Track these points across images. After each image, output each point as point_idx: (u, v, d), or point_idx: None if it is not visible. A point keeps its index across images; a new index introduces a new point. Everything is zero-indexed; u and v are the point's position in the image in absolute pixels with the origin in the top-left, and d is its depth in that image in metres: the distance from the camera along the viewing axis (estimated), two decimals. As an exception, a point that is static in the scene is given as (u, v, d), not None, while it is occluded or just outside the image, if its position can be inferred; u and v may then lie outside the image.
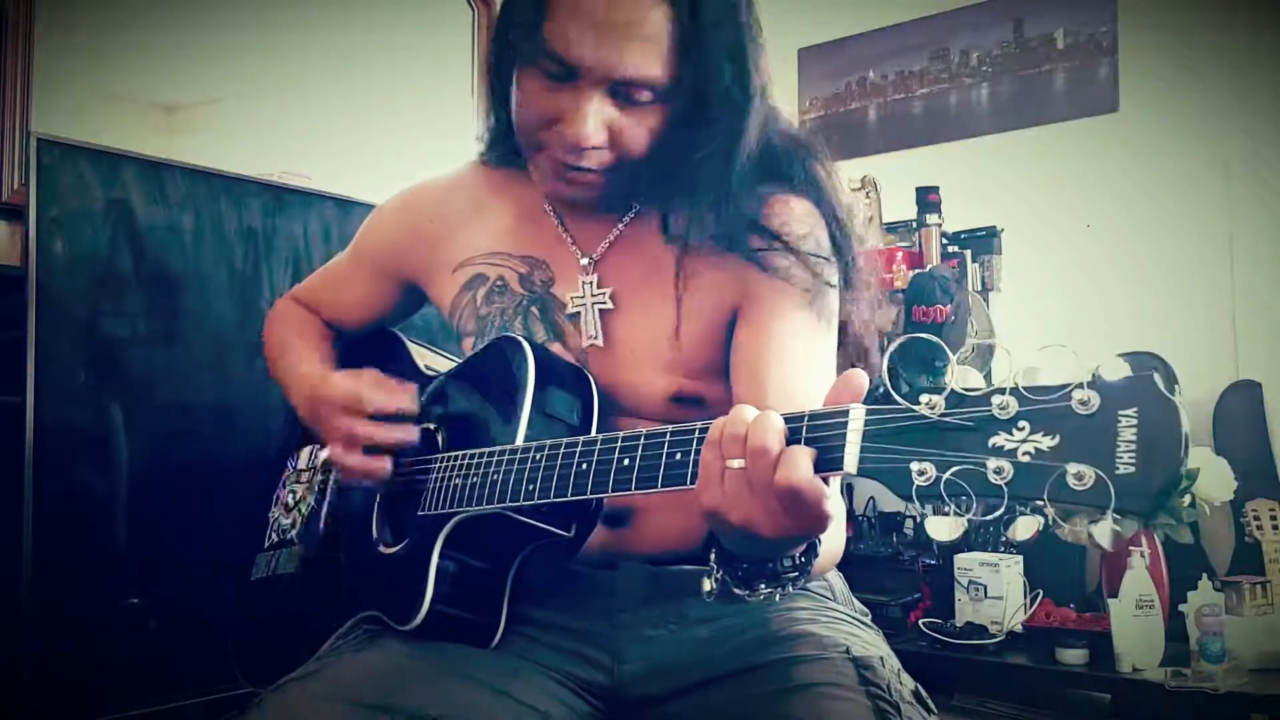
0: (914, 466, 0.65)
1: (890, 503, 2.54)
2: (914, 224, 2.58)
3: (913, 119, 2.90)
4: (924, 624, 2.14)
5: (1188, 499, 2.04)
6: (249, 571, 1.25)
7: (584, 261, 1.09)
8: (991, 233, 2.61)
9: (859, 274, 1.08)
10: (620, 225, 1.09)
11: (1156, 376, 0.59)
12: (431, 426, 1.06)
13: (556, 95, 0.97)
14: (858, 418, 0.68)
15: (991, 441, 0.63)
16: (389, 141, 2.82)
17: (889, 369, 0.69)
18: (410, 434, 1.04)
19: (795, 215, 1.04)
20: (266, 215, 1.73)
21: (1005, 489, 0.62)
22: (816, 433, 0.70)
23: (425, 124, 2.79)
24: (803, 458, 0.70)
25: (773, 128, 1.06)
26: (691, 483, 0.77)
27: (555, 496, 0.85)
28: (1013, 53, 2.75)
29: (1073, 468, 0.60)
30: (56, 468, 1.46)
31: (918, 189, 2.56)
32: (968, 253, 2.56)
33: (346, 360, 1.25)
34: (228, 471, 1.58)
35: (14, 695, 1.41)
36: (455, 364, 1.14)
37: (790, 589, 0.82)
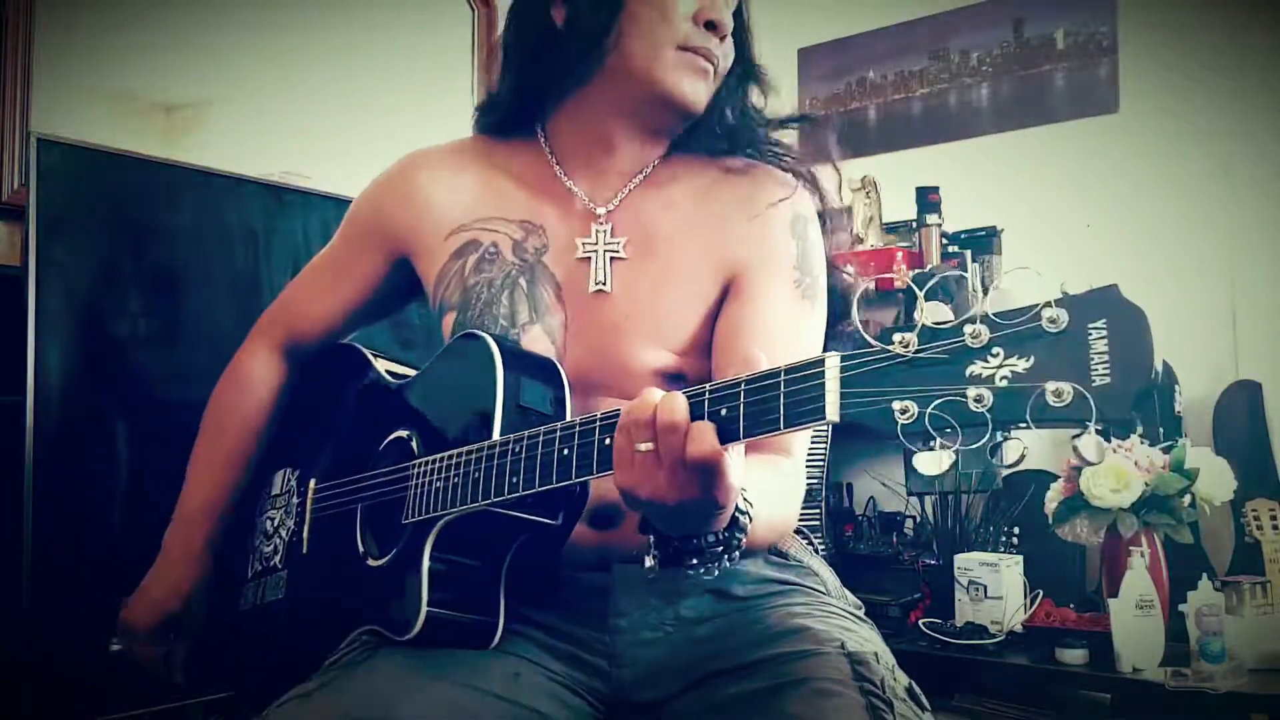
0: (896, 405, 0.66)
1: (890, 503, 2.54)
2: (914, 224, 2.58)
3: (913, 119, 2.90)
4: (924, 624, 2.14)
5: (1188, 499, 2.04)
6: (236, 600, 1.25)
7: (600, 211, 1.10)
8: (991, 233, 2.61)
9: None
10: (634, 181, 1.12)
11: (1119, 288, 0.61)
12: (405, 434, 1.05)
13: None
14: (834, 365, 0.69)
15: (968, 371, 0.64)
16: (389, 141, 2.80)
17: (860, 319, 0.70)
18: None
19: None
20: (266, 215, 1.73)
21: (988, 415, 0.63)
22: (794, 386, 0.71)
23: (425, 124, 2.77)
24: (707, 433, 0.74)
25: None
26: None
27: (540, 485, 0.86)
28: (1013, 53, 2.75)
29: (1051, 385, 0.60)
30: (56, 468, 1.46)
31: (918, 189, 2.56)
32: (968, 253, 2.56)
33: (305, 381, 1.27)
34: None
35: (14, 695, 1.41)
36: (418, 370, 1.12)
37: (725, 564, 0.84)
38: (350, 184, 1.94)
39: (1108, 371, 0.59)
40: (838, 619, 1.03)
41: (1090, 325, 0.60)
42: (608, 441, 0.81)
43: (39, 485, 1.44)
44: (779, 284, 1.07)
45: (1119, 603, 1.91)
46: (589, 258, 1.08)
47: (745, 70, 1.15)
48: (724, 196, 1.11)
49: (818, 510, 2.36)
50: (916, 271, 2.50)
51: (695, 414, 0.76)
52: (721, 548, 0.83)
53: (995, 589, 2.09)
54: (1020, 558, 2.17)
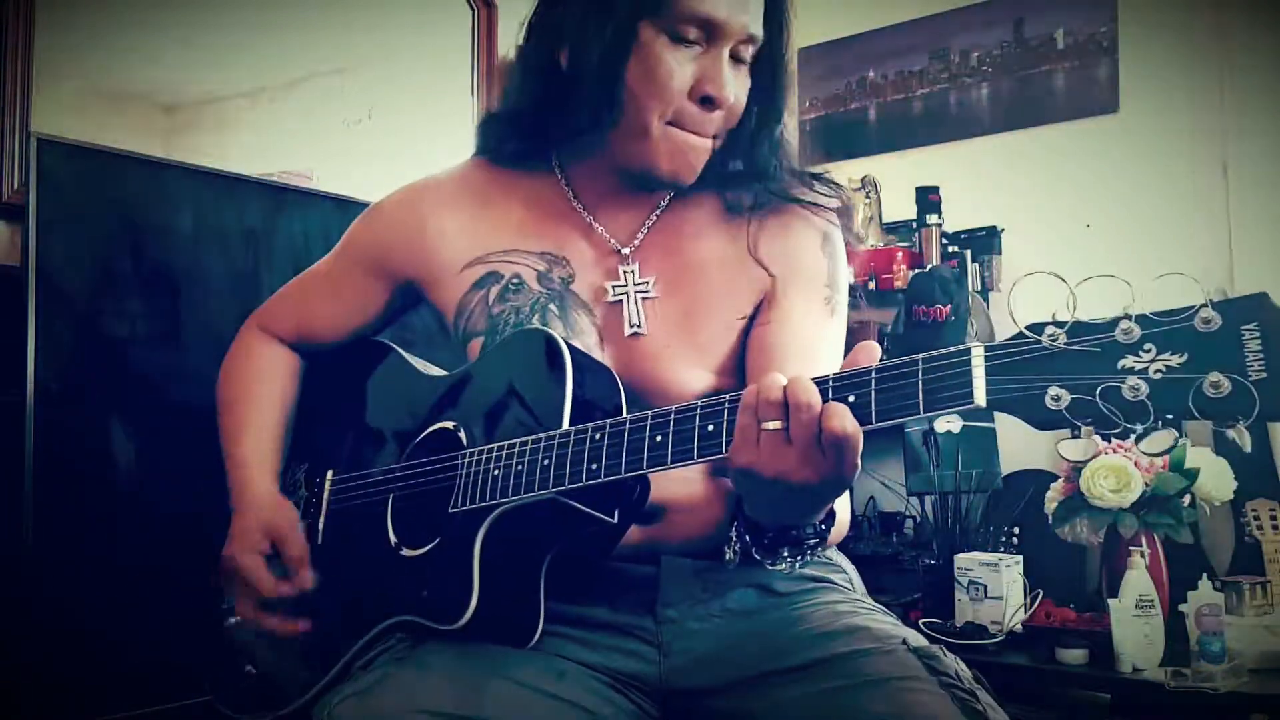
0: (1050, 392, 0.68)
1: (890, 503, 2.54)
2: (914, 224, 2.59)
3: (913, 119, 2.90)
4: (924, 624, 2.14)
5: (1188, 499, 2.04)
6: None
7: (625, 251, 1.09)
8: (991, 233, 2.61)
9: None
10: (654, 215, 1.11)
11: (1269, 295, 0.65)
12: (451, 425, 1.05)
13: (687, 63, 1.00)
14: (978, 354, 0.71)
15: (1121, 364, 0.67)
16: (389, 141, 2.81)
17: (1010, 311, 0.73)
18: (310, 583, 1.06)
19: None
20: (266, 215, 1.73)
21: (1148, 403, 0.65)
22: (936, 374, 0.73)
23: (425, 124, 2.78)
24: (844, 409, 0.75)
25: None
26: (726, 450, 0.80)
27: (628, 471, 0.85)
28: (1013, 53, 2.75)
29: (1211, 376, 0.63)
30: (56, 468, 1.46)
31: (918, 189, 2.56)
32: (968, 253, 2.56)
33: (334, 376, 1.24)
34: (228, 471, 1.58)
35: (14, 695, 1.41)
36: (461, 366, 1.12)
37: (810, 556, 0.86)
38: (350, 184, 1.95)
39: (1264, 367, 0.62)
40: (880, 615, 1.04)
41: (1244, 326, 0.64)
42: (710, 428, 0.81)
43: (39, 485, 1.44)
44: (809, 299, 1.08)
45: (1119, 603, 1.91)
46: (620, 300, 1.08)
47: (771, 115, 1.10)
48: (751, 217, 1.11)
49: (818, 510, 2.35)
50: (916, 271, 2.50)
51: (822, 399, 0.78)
52: (815, 539, 0.85)
53: (995, 589, 2.09)
54: (1020, 558, 2.17)
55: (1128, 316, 0.68)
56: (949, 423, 2.33)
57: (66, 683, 1.43)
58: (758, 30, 1.05)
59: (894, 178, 2.71)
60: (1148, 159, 2.54)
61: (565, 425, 0.91)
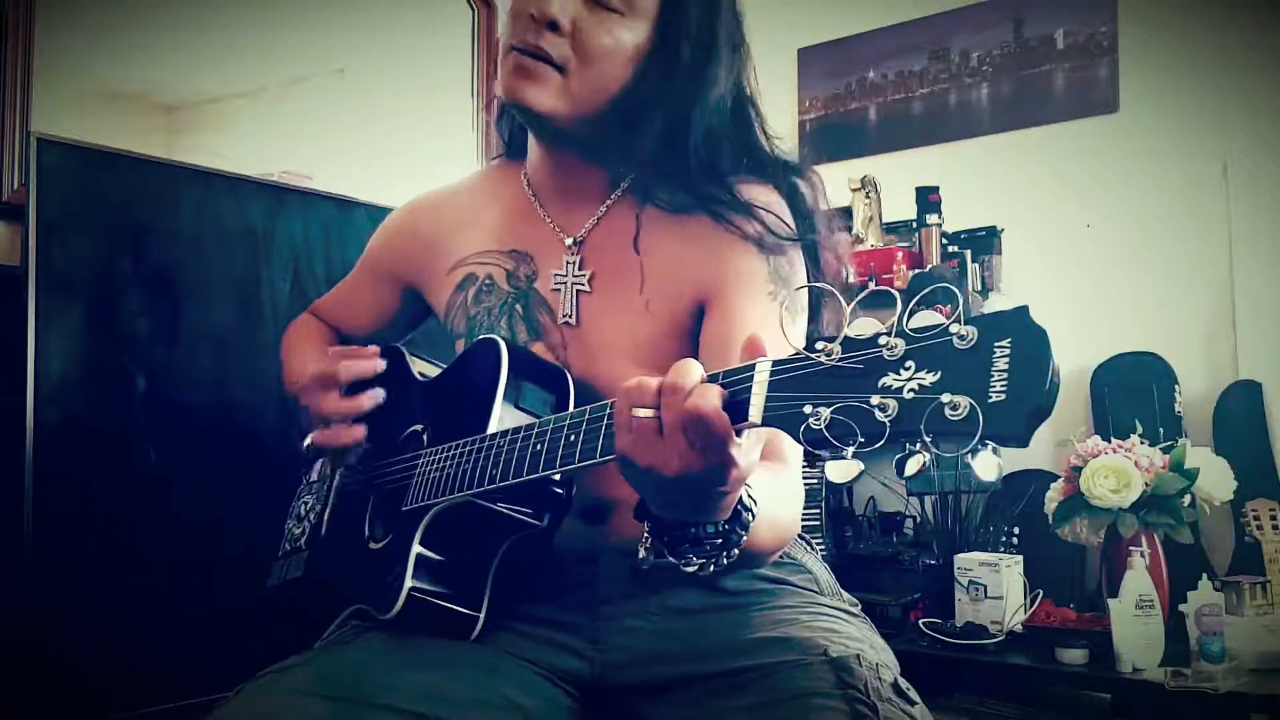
0: (806, 410, 0.67)
1: (890, 503, 2.54)
2: (914, 224, 2.59)
3: (913, 119, 2.90)
4: (924, 624, 2.14)
5: (1188, 499, 2.04)
6: (261, 575, 1.28)
7: (569, 242, 1.11)
8: (992, 233, 2.61)
9: (824, 251, 1.10)
10: (603, 208, 1.12)
11: (1029, 309, 0.62)
12: (419, 428, 1.09)
13: None
14: (763, 370, 0.71)
15: (881, 382, 0.65)
16: (389, 141, 2.81)
17: (850, 322, 0.71)
18: (376, 398, 1.08)
19: (758, 192, 1.07)
20: (266, 215, 1.73)
21: (888, 425, 0.64)
22: (730, 389, 0.72)
23: (425, 124, 2.78)
24: (712, 392, 0.72)
25: (757, 135, 1.10)
26: None
27: (514, 478, 0.88)
28: (1013, 53, 2.75)
29: (947, 398, 0.61)
30: (56, 468, 1.46)
31: (918, 189, 2.57)
32: (968, 253, 2.56)
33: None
34: (228, 471, 1.58)
35: (14, 695, 1.41)
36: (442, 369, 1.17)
37: (721, 562, 0.82)
38: (350, 184, 1.95)
39: (1005, 389, 0.60)
40: (825, 620, 1.03)
41: (996, 343, 0.61)
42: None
43: (39, 485, 1.44)
44: (752, 300, 1.05)
45: (1119, 603, 1.91)
46: (559, 290, 1.10)
47: (702, 84, 1.04)
48: (693, 219, 1.08)
49: (818, 510, 2.36)
50: (916, 271, 2.50)
51: None
52: (720, 540, 0.81)
53: (995, 589, 2.10)
54: (1020, 558, 2.17)
55: (889, 332, 0.65)
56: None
57: (66, 683, 1.43)
58: None
59: (894, 178, 2.71)
60: (1148, 159, 2.54)
61: (491, 429, 0.95)
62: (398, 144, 2.79)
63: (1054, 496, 2.14)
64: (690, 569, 0.82)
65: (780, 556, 1.09)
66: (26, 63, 1.79)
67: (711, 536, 0.81)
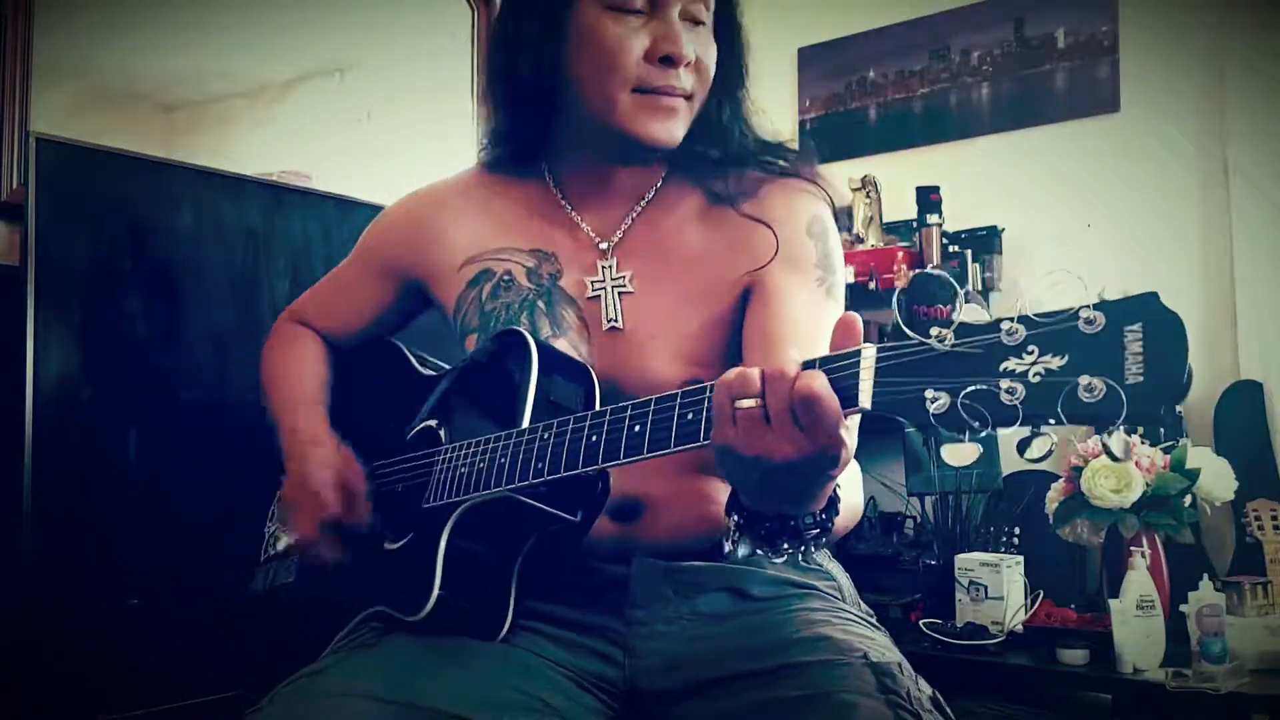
0: (928, 394, 0.67)
1: (890, 503, 2.54)
2: (914, 224, 2.58)
3: (913, 119, 2.90)
4: (924, 624, 2.14)
5: (1188, 499, 2.04)
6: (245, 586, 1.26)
7: (603, 246, 1.11)
8: (992, 232, 2.61)
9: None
10: (637, 210, 1.12)
11: (1159, 296, 0.63)
12: (434, 424, 1.07)
13: (639, 30, 1.02)
14: (869, 355, 0.71)
15: (1002, 366, 0.65)
16: (389, 141, 2.81)
17: (897, 304, 0.71)
18: (362, 518, 1.07)
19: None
20: (266, 215, 1.73)
21: (1020, 407, 0.64)
22: (831, 375, 0.72)
23: (425, 124, 2.78)
24: (820, 375, 0.72)
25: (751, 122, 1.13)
26: (705, 439, 0.78)
27: (566, 470, 0.86)
28: (1013, 52, 2.75)
29: (1083, 380, 0.62)
30: (56, 467, 1.46)
31: (918, 189, 2.56)
32: (968, 253, 2.56)
33: (348, 372, 1.27)
34: (227, 471, 1.58)
35: (14, 695, 1.41)
36: (452, 365, 1.15)
37: (814, 548, 0.83)
38: (350, 184, 1.95)
39: (1141, 371, 0.61)
40: (856, 626, 1.03)
41: (1127, 328, 0.62)
42: (689, 416, 0.79)
43: (39, 485, 1.44)
44: (801, 283, 1.06)
45: (1120, 603, 1.91)
46: (598, 296, 1.09)
47: (734, 80, 1.11)
48: (733, 207, 1.11)
49: (818, 510, 2.35)
50: (916, 271, 2.49)
51: None
52: (817, 530, 0.82)
53: (996, 589, 2.09)
54: (1021, 558, 2.17)
55: (1010, 318, 0.66)
56: (949, 423, 2.33)
57: (66, 683, 1.43)
58: None
59: (894, 178, 2.71)
60: (1148, 159, 2.54)
61: (525, 423, 0.93)
62: (398, 144, 2.79)
63: (1054, 497, 2.14)
64: (780, 558, 0.83)
65: (809, 562, 1.09)
66: (25, 62, 1.79)
67: (809, 527, 0.82)
